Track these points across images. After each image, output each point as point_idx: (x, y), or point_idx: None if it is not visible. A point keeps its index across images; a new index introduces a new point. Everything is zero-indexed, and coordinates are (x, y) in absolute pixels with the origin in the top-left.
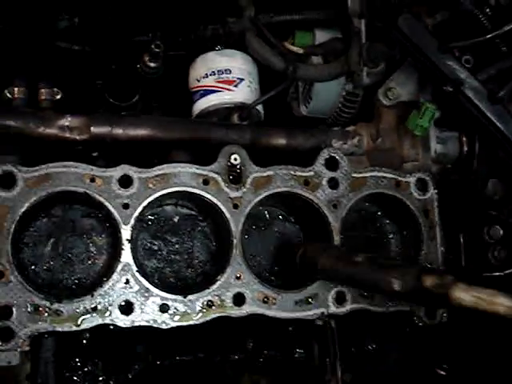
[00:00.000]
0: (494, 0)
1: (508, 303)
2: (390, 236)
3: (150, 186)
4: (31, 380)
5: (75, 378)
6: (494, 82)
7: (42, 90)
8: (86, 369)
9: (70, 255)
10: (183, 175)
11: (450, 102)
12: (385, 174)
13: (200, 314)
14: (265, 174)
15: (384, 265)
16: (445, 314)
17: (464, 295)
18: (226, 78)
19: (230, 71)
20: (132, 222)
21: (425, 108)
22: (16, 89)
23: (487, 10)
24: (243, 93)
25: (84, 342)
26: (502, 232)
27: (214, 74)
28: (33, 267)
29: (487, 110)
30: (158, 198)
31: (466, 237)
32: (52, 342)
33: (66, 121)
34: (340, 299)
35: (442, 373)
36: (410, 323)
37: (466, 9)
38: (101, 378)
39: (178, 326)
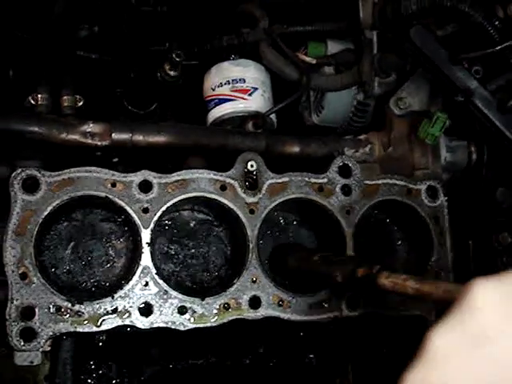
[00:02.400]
0: (503, 12)
1: (414, 286)
2: (398, 243)
3: (169, 191)
4: (50, 380)
5: (90, 381)
6: (503, 92)
7: (65, 97)
8: (100, 371)
9: (89, 258)
10: (201, 181)
11: (460, 112)
12: (396, 182)
13: (217, 317)
14: (280, 181)
15: (332, 261)
16: None
17: (385, 281)
18: (240, 87)
19: (245, 80)
20: (152, 225)
21: (436, 117)
22: (39, 96)
23: (496, 22)
24: (257, 102)
25: (100, 344)
26: (510, 239)
27: (229, 83)
28: (53, 270)
29: (496, 119)
30: (175, 203)
31: (475, 243)
32: (70, 344)
33: (88, 127)
34: (353, 303)
35: None
36: (421, 327)
37: (475, 21)
38: (114, 382)
39: (195, 328)
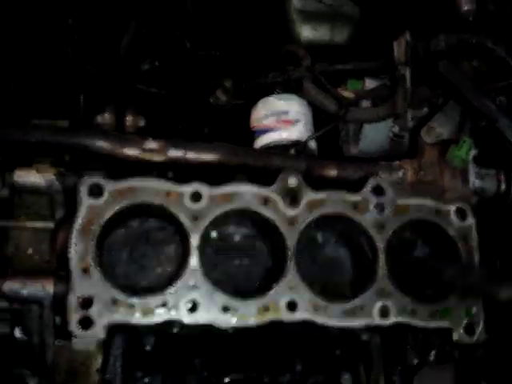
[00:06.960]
0: None
1: None
2: None
3: (217, 202)
4: (102, 373)
5: None
6: None
7: (128, 118)
8: (145, 380)
9: (143, 262)
10: (246, 194)
11: (489, 141)
12: (426, 203)
13: (256, 317)
14: (318, 197)
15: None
16: (483, 332)
17: None
18: (284, 118)
19: (288, 113)
20: (200, 233)
21: (463, 141)
22: (106, 115)
23: None
24: (299, 132)
25: (147, 347)
26: None
27: (274, 115)
28: (110, 270)
29: None
30: (222, 214)
31: (502, 262)
32: (121, 341)
33: (148, 144)
34: (384, 312)
35: None
36: (449, 340)
37: (498, 55)
38: None
39: (236, 328)
